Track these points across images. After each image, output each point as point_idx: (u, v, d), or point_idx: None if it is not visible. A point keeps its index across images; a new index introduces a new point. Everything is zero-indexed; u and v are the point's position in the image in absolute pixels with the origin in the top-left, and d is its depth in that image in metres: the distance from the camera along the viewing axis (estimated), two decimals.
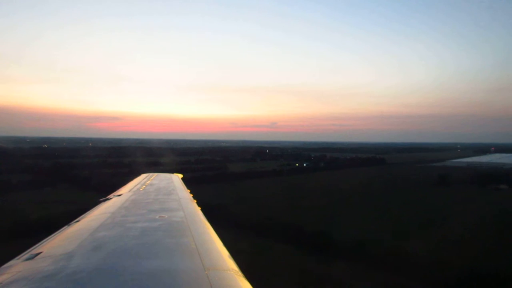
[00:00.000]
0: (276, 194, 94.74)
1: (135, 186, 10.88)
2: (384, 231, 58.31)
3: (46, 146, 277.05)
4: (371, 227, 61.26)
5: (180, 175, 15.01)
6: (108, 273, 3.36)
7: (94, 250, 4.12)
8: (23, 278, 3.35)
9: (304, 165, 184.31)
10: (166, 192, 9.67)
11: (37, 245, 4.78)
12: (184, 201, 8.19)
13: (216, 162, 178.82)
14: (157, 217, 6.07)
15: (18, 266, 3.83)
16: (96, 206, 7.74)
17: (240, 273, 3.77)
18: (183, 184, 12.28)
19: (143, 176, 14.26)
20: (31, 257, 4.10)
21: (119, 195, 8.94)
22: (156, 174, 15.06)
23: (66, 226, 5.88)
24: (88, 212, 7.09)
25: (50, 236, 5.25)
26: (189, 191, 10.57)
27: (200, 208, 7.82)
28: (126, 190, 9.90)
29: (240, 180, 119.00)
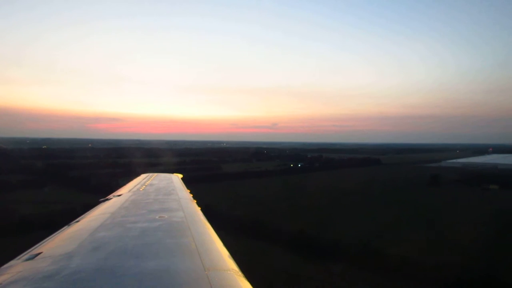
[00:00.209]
0: (257, 194, 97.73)
1: (135, 186, 10.88)
2: (351, 231, 59.63)
3: (45, 147, 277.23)
4: (336, 227, 62.65)
5: (180, 175, 15.00)
6: (108, 273, 3.36)
7: (94, 250, 4.12)
8: (23, 278, 3.35)
9: (299, 165, 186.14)
10: (166, 192, 9.67)
11: (37, 245, 4.78)
12: (184, 201, 8.19)
13: (211, 162, 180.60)
14: (157, 217, 6.07)
15: (18, 266, 3.83)
16: (96, 206, 7.74)
17: (240, 273, 3.77)
18: (183, 184, 12.28)
19: (143, 176, 14.25)
20: (31, 257, 4.09)
21: (119, 195, 8.94)
22: (156, 174, 15.03)
23: (66, 226, 5.88)
24: (88, 212, 7.08)
25: (50, 236, 5.25)
26: (189, 191, 10.57)
27: (200, 208, 7.83)
28: (126, 190, 9.90)
29: (231, 180, 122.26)
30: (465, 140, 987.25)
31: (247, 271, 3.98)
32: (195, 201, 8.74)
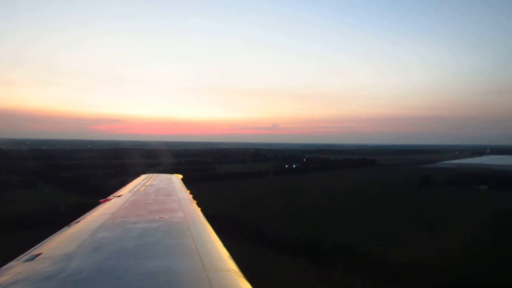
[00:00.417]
0: (239, 193, 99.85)
1: (135, 187, 10.87)
2: (322, 231, 60.84)
3: (45, 148, 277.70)
4: (307, 226, 64.10)
5: (180, 176, 14.99)
6: (108, 274, 3.36)
7: (94, 251, 4.12)
8: (23, 279, 3.35)
9: (293, 166, 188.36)
10: (166, 192, 9.66)
11: (37, 246, 4.78)
12: (184, 201, 8.19)
13: (205, 163, 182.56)
14: (157, 218, 6.06)
15: (18, 267, 3.83)
16: (96, 207, 7.74)
17: (240, 273, 3.76)
18: (183, 184, 12.28)
19: (143, 176, 14.24)
20: (31, 258, 4.09)
21: (119, 196, 8.94)
22: (156, 174, 15.03)
23: (66, 227, 5.88)
24: (88, 213, 7.08)
25: (50, 237, 5.25)
26: (189, 191, 10.57)
27: (200, 208, 7.82)
28: (126, 191, 9.90)
29: (218, 180, 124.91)
30: (465, 142, 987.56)
31: None
32: (195, 201, 8.74)
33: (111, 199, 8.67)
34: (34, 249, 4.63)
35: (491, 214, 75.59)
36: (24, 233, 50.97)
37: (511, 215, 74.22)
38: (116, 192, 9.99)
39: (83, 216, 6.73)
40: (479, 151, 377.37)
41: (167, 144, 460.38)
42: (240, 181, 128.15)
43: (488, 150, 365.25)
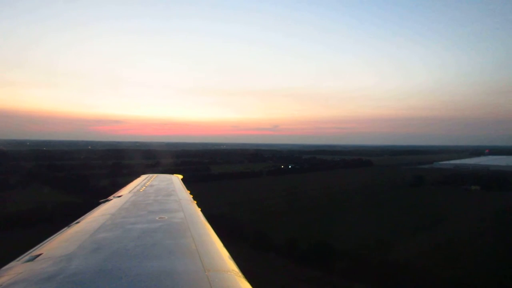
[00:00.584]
0: (227, 192, 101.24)
1: (135, 187, 10.87)
2: (300, 230, 61.50)
3: (45, 149, 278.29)
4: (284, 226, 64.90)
5: (180, 176, 14.99)
6: (108, 274, 3.36)
7: (94, 251, 4.12)
8: (24, 280, 3.35)
9: (289, 167, 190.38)
10: (166, 193, 9.66)
11: (37, 246, 4.78)
12: (184, 202, 8.19)
13: (201, 164, 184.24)
14: (157, 218, 6.06)
15: (18, 268, 3.83)
16: (96, 207, 7.73)
17: (240, 274, 3.76)
18: (183, 185, 12.28)
19: (143, 177, 14.25)
20: (32, 259, 4.09)
21: (119, 196, 8.94)
22: (156, 175, 15.03)
23: (66, 228, 5.88)
24: (88, 213, 7.08)
25: (50, 238, 5.24)
26: (189, 191, 10.57)
27: (200, 209, 7.83)
28: (126, 191, 9.90)
29: (213, 180, 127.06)
30: (466, 142, 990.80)
31: None
32: (195, 202, 8.74)
33: (111, 199, 8.68)
34: (34, 249, 4.63)
35: (474, 213, 76.24)
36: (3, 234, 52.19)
37: (495, 214, 75.24)
38: (116, 193, 9.99)
39: (83, 217, 6.72)
40: (479, 151, 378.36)
41: (168, 145, 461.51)
42: (232, 181, 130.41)
43: (487, 151, 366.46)
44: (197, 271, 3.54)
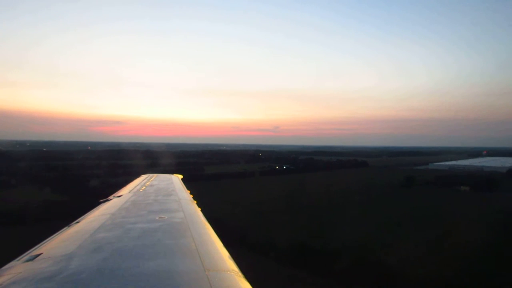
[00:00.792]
0: (214, 192, 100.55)
1: (135, 187, 10.87)
2: (272, 230, 61.58)
3: (44, 149, 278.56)
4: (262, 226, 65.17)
5: (180, 176, 15.00)
6: (108, 274, 3.36)
7: (94, 251, 4.12)
8: (24, 280, 3.35)
9: (284, 167, 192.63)
10: (166, 193, 9.66)
11: (37, 246, 4.78)
12: (184, 201, 8.19)
13: (196, 164, 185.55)
14: (157, 218, 6.06)
15: (18, 267, 3.83)
16: (96, 207, 7.73)
17: (240, 274, 3.77)
18: (183, 184, 12.29)
19: (143, 177, 14.25)
20: (32, 258, 4.09)
21: (119, 196, 8.94)
22: (156, 175, 15.03)
23: (66, 227, 5.88)
24: (88, 213, 7.08)
25: (50, 237, 5.25)
26: (189, 191, 10.57)
27: (200, 209, 7.83)
28: (126, 191, 9.90)
29: (205, 180, 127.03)
30: (466, 143, 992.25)
31: None
32: (195, 201, 8.74)
33: (111, 199, 8.68)
34: (34, 249, 4.63)
35: (459, 213, 76.57)
36: None
37: (479, 214, 75.53)
38: (116, 192, 9.99)
39: (83, 216, 6.72)
40: (477, 153, 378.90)
41: (168, 145, 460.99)
42: (224, 181, 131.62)
43: (485, 152, 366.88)
44: (197, 271, 3.54)
